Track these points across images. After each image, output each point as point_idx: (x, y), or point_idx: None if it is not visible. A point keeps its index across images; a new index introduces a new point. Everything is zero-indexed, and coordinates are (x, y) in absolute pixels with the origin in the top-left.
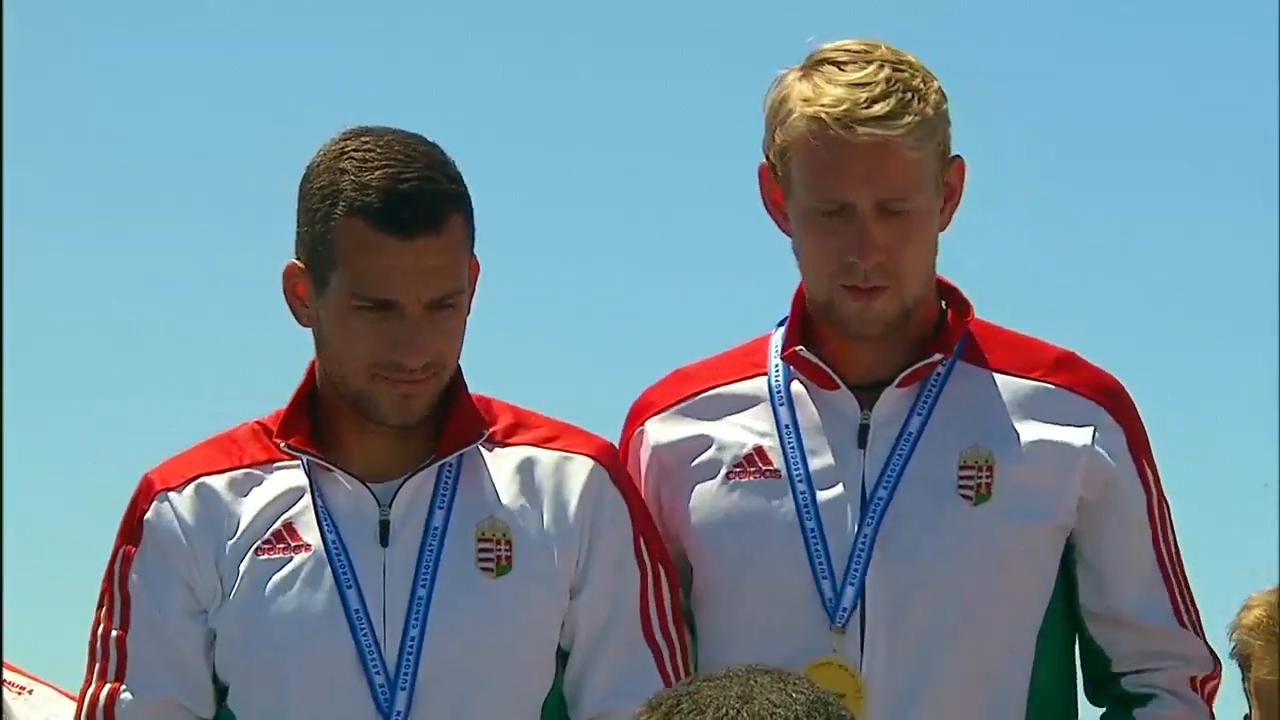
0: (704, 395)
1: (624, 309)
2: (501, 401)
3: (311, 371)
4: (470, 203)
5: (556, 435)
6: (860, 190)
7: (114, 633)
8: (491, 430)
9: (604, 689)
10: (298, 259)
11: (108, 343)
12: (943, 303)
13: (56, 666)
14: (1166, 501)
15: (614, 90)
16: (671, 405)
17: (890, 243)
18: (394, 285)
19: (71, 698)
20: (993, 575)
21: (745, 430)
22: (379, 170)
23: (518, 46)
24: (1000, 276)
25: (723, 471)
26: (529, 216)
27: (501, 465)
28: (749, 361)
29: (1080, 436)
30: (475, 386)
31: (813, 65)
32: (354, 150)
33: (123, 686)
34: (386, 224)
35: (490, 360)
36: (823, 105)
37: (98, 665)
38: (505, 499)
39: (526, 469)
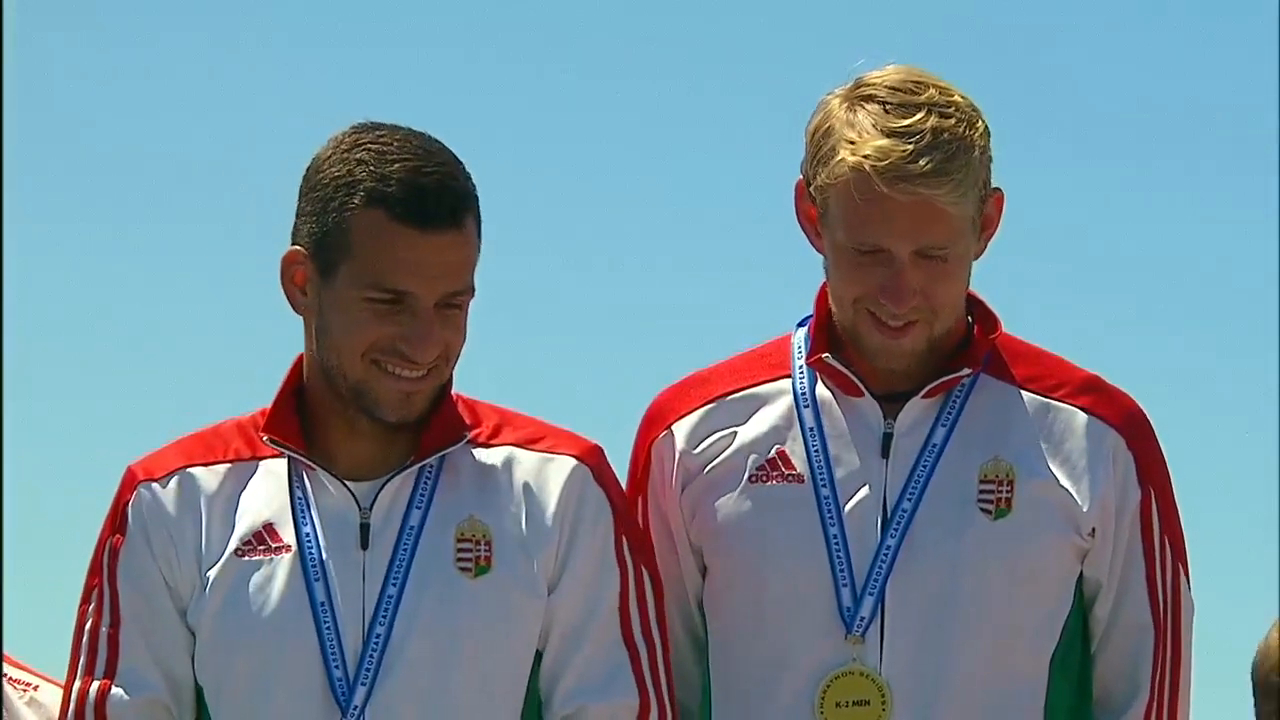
0: (730, 397)
1: (629, 312)
2: (487, 404)
3: (298, 366)
4: (479, 205)
5: (541, 436)
6: (899, 240)
7: (104, 628)
8: (475, 432)
9: (577, 686)
10: (298, 246)
11: (101, 340)
12: (969, 317)
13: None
14: (1170, 544)
15: (621, 90)
16: (698, 408)
17: (925, 285)
18: (410, 278)
19: None
20: (1011, 588)
21: (769, 433)
22: (399, 163)
23: (527, 44)
24: (1020, 287)
25: (746, 475)
26: (533, 218)
27: (483, 465)
28: (771, 363)
29: (1096, 461)
30: (476, 390)
31: (858, 99)
32: (370, 142)
33: (113, 684)
34: (408, 216)
35: (489, 363)
36: (866, 157)
37: (84, 659)
38: (486, 499)
39: (508, 469)
